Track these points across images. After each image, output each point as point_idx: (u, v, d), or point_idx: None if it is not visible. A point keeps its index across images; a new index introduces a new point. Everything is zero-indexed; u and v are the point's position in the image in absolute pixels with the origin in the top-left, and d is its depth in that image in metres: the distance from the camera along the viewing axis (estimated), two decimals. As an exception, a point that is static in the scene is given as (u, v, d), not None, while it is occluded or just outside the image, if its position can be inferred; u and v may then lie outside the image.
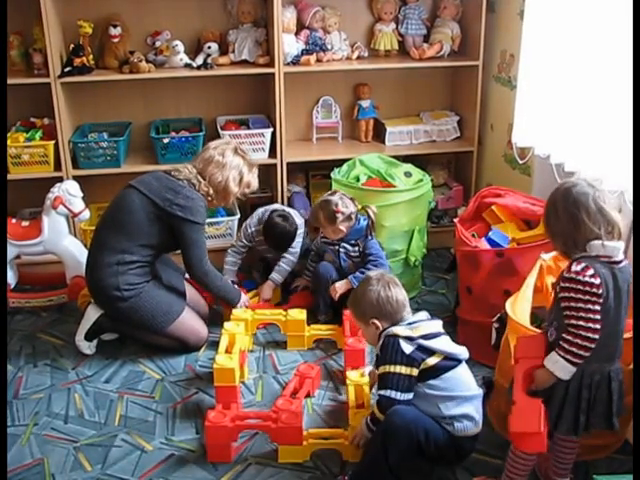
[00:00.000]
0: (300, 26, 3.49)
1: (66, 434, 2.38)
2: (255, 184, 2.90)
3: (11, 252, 3.04)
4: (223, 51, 3.45)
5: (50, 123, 3.32)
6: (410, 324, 2.04)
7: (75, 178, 3.25)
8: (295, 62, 3.43)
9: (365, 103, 3.69)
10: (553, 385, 1.82)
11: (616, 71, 2.36)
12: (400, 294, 2.08)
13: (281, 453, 2.23)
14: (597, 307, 1.75)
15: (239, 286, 3.08)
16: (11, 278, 3.13)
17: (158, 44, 3.41)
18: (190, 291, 2.96)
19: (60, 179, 3.23)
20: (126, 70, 3.26)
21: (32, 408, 2.51)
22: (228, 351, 2.49)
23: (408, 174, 3.21)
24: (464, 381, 2.03)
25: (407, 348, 1.96)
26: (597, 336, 1.75)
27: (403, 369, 1.95)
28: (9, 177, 3.16)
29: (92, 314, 2.78)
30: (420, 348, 1.97)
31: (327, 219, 2.88)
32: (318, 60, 3.47)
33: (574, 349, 1.76)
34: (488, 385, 2.49)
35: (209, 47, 3.41)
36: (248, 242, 3.18)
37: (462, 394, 2.00)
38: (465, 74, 3.63)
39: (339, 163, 3.32)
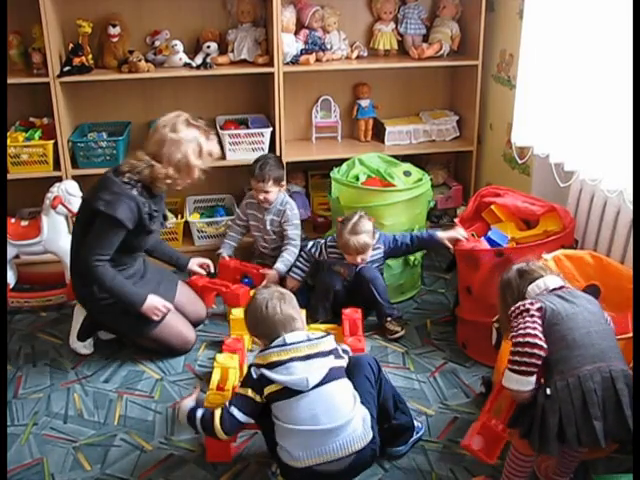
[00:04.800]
0: (299, 26, 3.49)
1: (65, 434, 2.38)
2: (216, 151, 2.72)
3: (10, 252, 3.04)
4: (222, 50, 3.45)
5: (49, 123, 3.32)
6: (277, 347, 2.00)
7: (74, 178, 3.24)
8: (294, 62, 3.43)
9: (364, 103, 3.69)
10: (556, 402, 1.80)
11: (616, 70, 2.37)
12: (279, 313, 2.05)
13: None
14: (532, 319, 1.85)
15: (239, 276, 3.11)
16: (10, 278, 3.13)
17: (157, 43, 3.40)
18: (188, 295, 2.94)
19: (59, 179, 3.22)
20: (125, 69, 3.26)
21: (31, 408, 2.51)
22: (220, 387, 2.31)
23: (407, 173, 3.21)
24: (296, 415, 1.95)
25: (255, 374, 2.00)
26: (537, 342, 1.80)
27: (249, 392, 2.00)
28: (8, 177, 3.16)
29: (79, 313, 2.79)
30: (262, 377, 1.98)
31: (359, 252, 2.87)
32: (317, 60, 3.46)
33: (516, 357, 1.83)
34: (487, 385, 2.50)
35: (208, 46, 3.40)
36: (244, 216, 3.29)
37: (289, 427, 1.95)
38: (464, 74, 3.63)
39: (338, 162, 3.32)
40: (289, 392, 1.95)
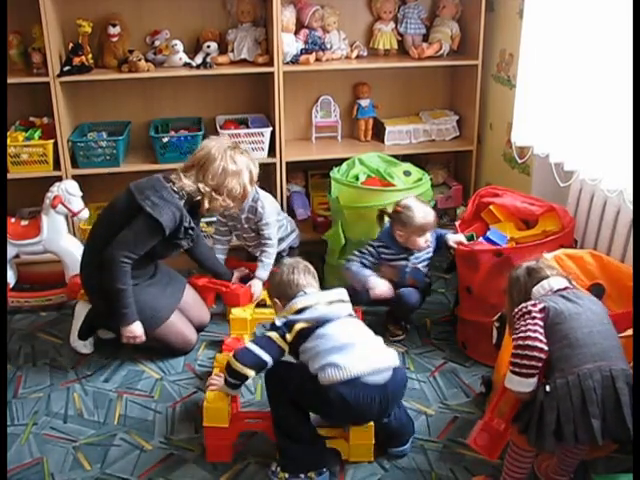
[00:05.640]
0: (299, 25, 3.48)
1: (65, 433, 2.38)
2: (257, 172, 2.75)
3: (10, 251, 3.04)
4: (222, 50, 3.45)
5: (49, 122, 3.32)
6: (300, 297, 2.19)
7: (74, 177, 3.24)
8: (294, 61, 3.43)
9: (364, 102, 3.69)
10: (555, 399, 1.81)
11: (615, 70, 2.37)
12: (302, 279, 2.24)
13: (280, 452, 2.22)
14: (533, 321, 1.87)
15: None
16: (10, 277, 3.13)
17: (157, 43, 3.40)
18: (194, 298, 2.93)
19: (59, 178, 3.23)
20: (125, 69, 3.26)
21: (31, 407, 2.51)
22: None
23: (407, 173, 3.21)
24: (332, 335, 2.10)
25: (279, 322, 2.16)
26: (537, 344, 1.82)
27: (273, 334, 2.13)
28: (8, 176, 3.16)
29: (81, 311, 2.79)
30: (288, 321, 2.14)
31: (433, 225, 2.81)
32: (317, 59, 3.46)
33: (517, 360, 1.84)
34: (487, 385, 2.50)
35: (208, 46, 3.40)
36: (223, 218, 3.16)
37: (328, 347, 2.08)
38: (464, 73, 3.63)
39: (338, 162, 3.32)
40: (322, 322, 2.11)
